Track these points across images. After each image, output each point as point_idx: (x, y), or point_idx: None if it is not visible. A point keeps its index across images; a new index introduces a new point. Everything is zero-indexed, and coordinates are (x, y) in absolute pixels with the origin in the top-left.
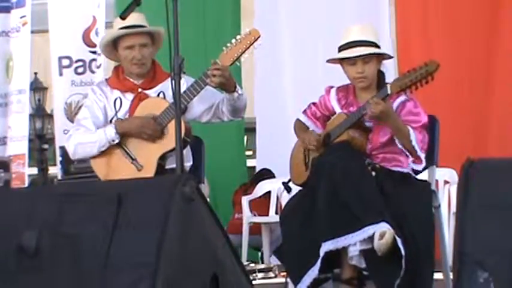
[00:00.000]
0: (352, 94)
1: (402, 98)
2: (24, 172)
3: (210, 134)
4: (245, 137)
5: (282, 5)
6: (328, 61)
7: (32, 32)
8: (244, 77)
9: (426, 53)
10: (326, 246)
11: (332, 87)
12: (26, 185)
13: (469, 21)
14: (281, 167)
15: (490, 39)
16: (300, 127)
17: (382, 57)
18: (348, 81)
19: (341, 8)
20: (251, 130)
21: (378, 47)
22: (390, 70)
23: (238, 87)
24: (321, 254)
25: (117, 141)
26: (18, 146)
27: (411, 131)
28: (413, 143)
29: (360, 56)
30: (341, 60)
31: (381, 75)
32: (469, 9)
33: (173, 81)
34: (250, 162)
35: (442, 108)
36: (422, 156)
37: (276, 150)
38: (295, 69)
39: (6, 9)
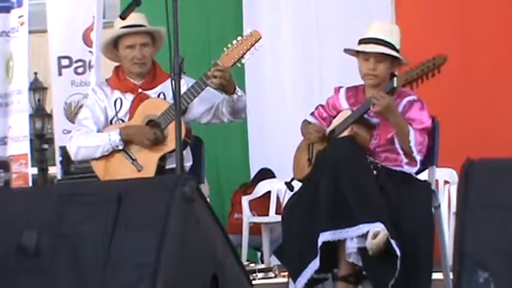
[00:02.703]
0: (361, 93)
1: (410, 97)
2: (27, 172)
3: (214, 134)
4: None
5: (275, 3)
6: (345, 50)
7: (32, 32)
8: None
9: (426, 53)
10: (324, 237)
11: (341, 87)
12: (30, 185)
13: (473, 20)
14: (276, 167)
15: (494, 37)
16: (306, 126)
17: (398, 61)
18: (350, 83)
19: (336, 8)
20: None
21: (395, 49)
22: None
23: (238, 88)
24: (319, 243)
25: (121, 147)
26: (20, 146)
27: (411, 131)
28: (412, 143)
29: (372, 52)
30: (357, 53)
31: (392, 77)
32: (472, 7)
33: (173, 82)
34: None
35: (442, 108)
36: (418, 158)
37: (270, 150)
38: (293, 67)
39: (7, 10)
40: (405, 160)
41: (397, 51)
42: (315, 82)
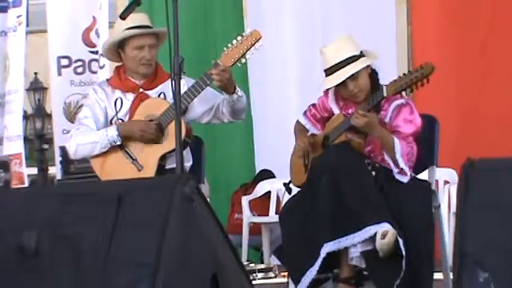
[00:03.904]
0: None
1: (399, 101)
2: (22, 172)
3: (217, 134)
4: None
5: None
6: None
7: (32, 32)
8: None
9: (439, 53)
10: (328, 247)
11: (330, 88)
12: (26, 184)
13: (478, 21)
14: (281, 167)
15: (493, 38)
16: (299, 129)
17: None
18: None
19: (341, 7)
20: None
21: (359, 56)
22: (392, 71)
23: (238, 88)
24: (323, 254)
25: (118, 143)
26: (14, 145)
27: (397, 143)
28: (397, 155)
29: (343, 81)
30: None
31: (374, 75)
32: (483, 8)
33: (173, 82)
34: None
35: (442, 108)
36: (407, 169)
37: (275, 150)
38: (296, 67)
39: (5, 9)
40: (396, 170)
41: (361, 54)
42: (319, 82)
